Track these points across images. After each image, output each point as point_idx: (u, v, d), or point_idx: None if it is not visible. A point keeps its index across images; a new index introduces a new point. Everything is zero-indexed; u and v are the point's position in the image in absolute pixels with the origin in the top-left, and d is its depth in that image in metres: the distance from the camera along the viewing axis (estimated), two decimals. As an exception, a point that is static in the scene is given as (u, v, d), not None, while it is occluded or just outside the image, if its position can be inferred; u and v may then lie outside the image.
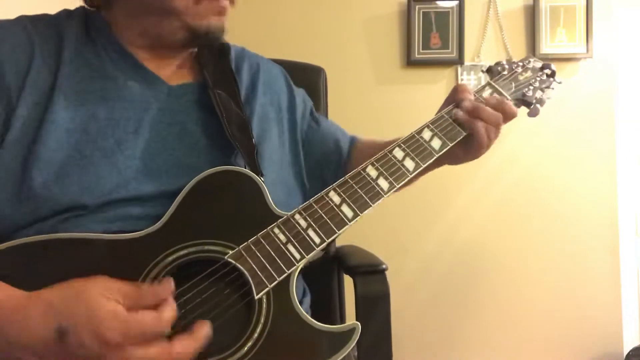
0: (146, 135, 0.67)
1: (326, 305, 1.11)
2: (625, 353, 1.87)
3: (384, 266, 0.92)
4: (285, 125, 0.83)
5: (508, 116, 0.76)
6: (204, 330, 0.52)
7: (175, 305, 0.52)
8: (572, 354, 1.92)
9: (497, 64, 0.86)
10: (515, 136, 1.88)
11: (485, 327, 1.94)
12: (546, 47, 1.89)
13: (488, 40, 1.93)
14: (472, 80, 1.92)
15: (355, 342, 0.59)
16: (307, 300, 0.80)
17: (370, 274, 0.92)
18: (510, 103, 0.78)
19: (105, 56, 0.70)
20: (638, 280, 1.95)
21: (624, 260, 1.93)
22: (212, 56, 0.79)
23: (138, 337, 0.48)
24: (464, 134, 0.76)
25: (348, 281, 0.98)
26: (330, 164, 0.87)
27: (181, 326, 0.57)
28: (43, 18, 0.70)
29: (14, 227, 0.60)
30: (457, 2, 1.90)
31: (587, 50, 1.89)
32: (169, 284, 0.52)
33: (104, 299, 0.48)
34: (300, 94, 0.90)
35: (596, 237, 1.92)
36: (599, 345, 1.91)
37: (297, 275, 0.64)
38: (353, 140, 0.92)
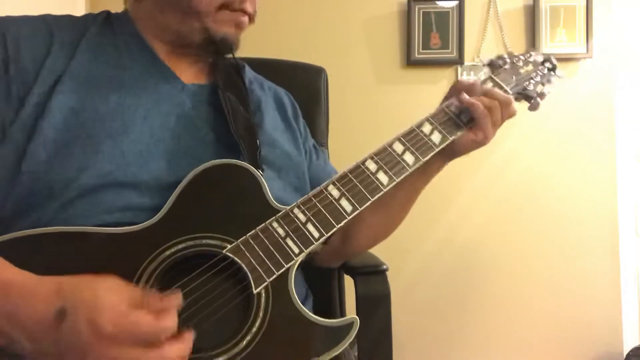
0: (154, 124, 0.68)
1: (327, 305, 1.11)
2: (625, 353, 1.87)
3: (384, 266, 0.92)
4: (298, 137, 0.85)
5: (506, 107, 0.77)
6: (190, 336, 0.51)
7: (177, 318, 0.49)
8: (572, 354, 1.92)
9: (499, 57, 0.85)
10: (515, 136, 1.88)
11: (485, 327, 1.93)
12: (546, 47, 1.89)
13: (488, 40, 1.93)
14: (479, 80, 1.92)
15: (354, 335, 0.59)
16: (310, 302, 0.79)
17: (371, 274, 0.92)
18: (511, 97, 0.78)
19: (124, 49, 0.72)
20: (638, 280, 1.95)
21: (624, 260, 1.93)
22: (227, 67, 0.81)
23: (131, 336, 0.46)
24: (464, 127, 0.76)
25: (348, 281, 0.98)
26: None
27: (180, 320, 0.57)
28: (68, 16, 0.74)
29: (14, 212, 0.60)
30: (457, 2, 1.90)
31: (587, 50, 1.89)
32: (177, 298, 0.51)
33: (110, 291, 0.48)
34: (304, 124, 0.92)
35: (596, 237, 1.92)
36: (599, 345, 1.91)
37: (299, 278, 0.64)
38: None
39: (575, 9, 1.89)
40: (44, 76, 0.64)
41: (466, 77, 1.92)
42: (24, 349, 0.48)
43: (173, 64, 0.74)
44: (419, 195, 0.86)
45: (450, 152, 0.78)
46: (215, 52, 0.77)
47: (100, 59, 0.69)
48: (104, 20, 0.75)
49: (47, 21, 0.70)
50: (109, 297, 0.48)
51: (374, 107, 1.93)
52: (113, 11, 0.78)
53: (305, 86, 1.15)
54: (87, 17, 0.75)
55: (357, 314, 0.85)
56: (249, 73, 0.87)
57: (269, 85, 0.90)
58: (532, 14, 1.91)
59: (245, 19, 0.74)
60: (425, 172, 0.81)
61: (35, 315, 0.48)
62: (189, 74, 0.76)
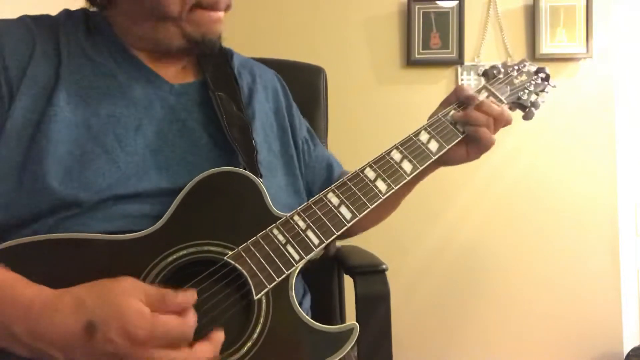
0: (147, 133, 0.67)
1: (326, 305, 1.11)
2: (625, 353, 1.87)
3: (384, 266, 0.92)
4: (288, 129, 0.84)
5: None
6: (220, 336, 0.54)
7: (196, 314, 0.52)
8: (572, 354, 1.92)
9: (493, 67, 0.86)
10: (515, 136, 1.88)
11: (485, 327, 1.94)
12: (546, 47, 1.89)
13: (488, 40, 1.93)
14: (472, 80, 1.92)
15: (354, 342, 0.59)
16: (307, 300, 0.80)
17: (371, 274, 0.92)
18: (505, 107, 0.80)
19: (108, 55, 0.70)
20: (638, 280, 1.95)
21: (624, 260, 1.93)
22: (214, 60, 0.79)
23: (163, 338, 0.49)
24: (460, 136, 0.78)
25: (348, 281, 0.98)
26: (319, 184, 0.86)
27: None
28: (44, 17, 0.71)
29: (14, 223, 0.60)
30: (457, 2, 1.90)
31: (587, 50, 1.89)
32: (193, 294, 0.53)
33: (131, 297, 0.50)
34: (296, 108, 0.91)
35: (596, 237, 1.92)
36: (599, 345, 1.91)
37: (297, 276, 0.64)
38: (345, 172, 0.91)
39: (575, 9, 1.89)
40: (26, 87, 0.63)
41: (466, 77, 1.92)
42: (57, 358, 0.50)
43: (157, 65, 0.72)
44: (409, 193, 0.88)
45: (443, 160, 0.79)
46: (199, 52, 0.75)
47: (87, 68, 0.68)
48: (82, 21, 0.72)
49: (27, 25, 0.68)
50: (132, 303, 0.49)
51: (374, 107, 1.93)
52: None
53: (304, 86, 1.15)
54: (64, 17, 0.72)
55: (357, 314, 0.86)
56: (237, 59, 0.85)
57: (259, 70, 0.87)
58: (532, 14, 1.91)
59: (221, 14, 0.71)
60: (419, 176, 0.81)
61: (60, 330, 0.49)
62: (175, 73, 0.75)
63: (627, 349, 1.88)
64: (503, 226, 1.94)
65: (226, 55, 0.82)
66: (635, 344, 1.88)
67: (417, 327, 1.93)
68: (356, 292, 0.88)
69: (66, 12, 0.74)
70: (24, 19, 0.69)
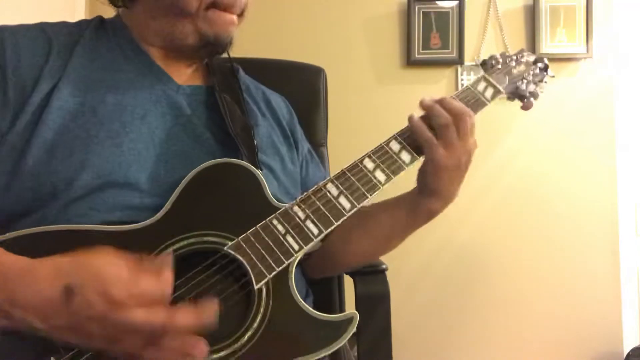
0: (152, 123, 0.69)
1: (326, 305, 1.11)
2: (625, 353, 1.87)
3: (384, 266, 0.93)
4: (291, 139, 0.86)
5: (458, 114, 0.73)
6: (209, 309, 0.50)
7: (172, 273, 0.51)
8: (572, 354, 1.92)
9: (491, 57, 0.87)
10: (515, 136, 1.88)
11: (485, 327, 1.93)
12: (546, 47, 1.89)
13: (488, 40, 1.93)
14: (472, 81, 1.92)
15: (354, 330, 0.60)
16: (310, 301, 0.80)
17: (370, 274, 0.92)
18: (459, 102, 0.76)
19: (119, 53, 0.73)
20: (638, 280, 1.95)
21: (624, 260, 1.93)
22: (222, 69, 0.83)
23: (141, 297, 0.49)
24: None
25: (348, 281, 0.98)
26: None
27: None
28: (63, 23, 0.75)
29: (18, 209, 0.61)
30: (457, 2, 1.90)
31: (587, 50, 1.89)
32: (168, 255, 0.54)
33: (109, 262, 0.50)
34: (301, 131, 0.92)
35: (596, 237, 1.92)
36: (599, 345, 1.91)
37: (300, 277, 0.64)
38: None
39: (575, 9, 1.89)
40: (43, 83, 0.65)
41: (466, 77, 1.92)
42: (34, 327, 0.49)
43: (168, 67, 0.75)
44: (405, 235, 0.86)
45: (431, 192, 0.80)
46: (210, 52, 0.77)
47: (96, 63, 0.70)
48: (98, 25, 0.76)
49: (44, 29, 0.71)
50: (110, 268, 0.49)
51: (374, 107, 1.93)
52: (110, 16, 0.79)
53: (304, 86, 1.15)
54: (81, 23, 0.76)
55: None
56: (243, 76, 0.88)
57: (264, 89, 0.91)
58: (532, 14, 1.91)
59: (234, 17, 0.75)
60: (414, 211, 0.82)
61: (39, 296, 0.49)
62: (184, 76, 0.77)
63: (627, 349, 1.88)
64: (503, 226, 1.93)
65: (233, 68, 0.85)
66: (635, 344, 1.88)
67: (417, 327, 1.92)
68: (356, 292, 0.88)
69: (85, 20, 0.77)
70: (41, 25, 0.72)
